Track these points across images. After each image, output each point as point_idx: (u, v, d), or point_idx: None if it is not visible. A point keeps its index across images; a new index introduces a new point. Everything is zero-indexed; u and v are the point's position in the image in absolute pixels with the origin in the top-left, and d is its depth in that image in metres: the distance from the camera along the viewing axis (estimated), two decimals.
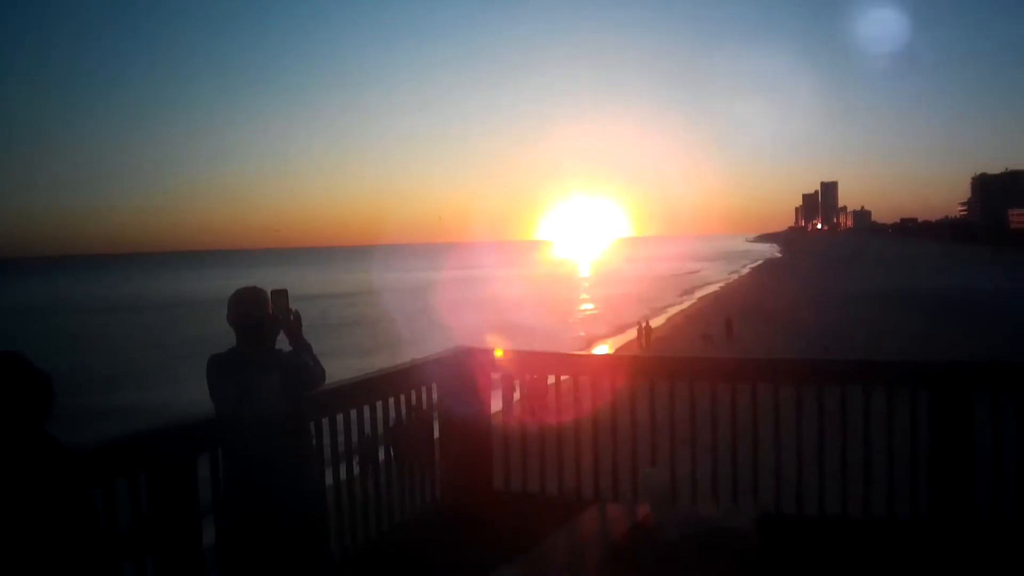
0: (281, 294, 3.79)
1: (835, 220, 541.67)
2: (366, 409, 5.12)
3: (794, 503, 5.30)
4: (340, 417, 4.89)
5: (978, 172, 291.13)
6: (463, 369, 6.01)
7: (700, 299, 71.46)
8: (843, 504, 5.23)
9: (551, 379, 6.10)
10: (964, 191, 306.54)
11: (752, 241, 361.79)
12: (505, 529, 4.91)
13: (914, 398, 5.06)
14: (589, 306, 75.88)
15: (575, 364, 6.65)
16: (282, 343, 3.79)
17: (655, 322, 49.47)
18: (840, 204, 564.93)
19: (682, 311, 62.04)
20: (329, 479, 4.97)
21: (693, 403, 5.56)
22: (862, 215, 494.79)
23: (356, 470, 5.22)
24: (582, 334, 54.27)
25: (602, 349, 44.92)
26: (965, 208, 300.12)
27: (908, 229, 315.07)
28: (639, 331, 43.27)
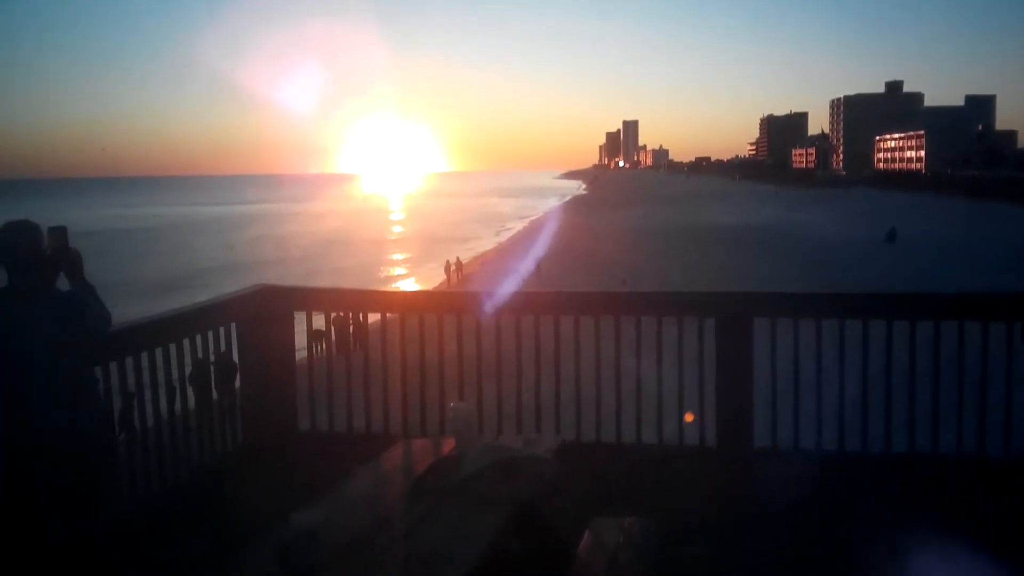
0: (59, 232, 3.52)
1: (636, 158, 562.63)
2: (159, 351, 4.85)
3: (593, 431, 5.53)
4: (130, 360, 4.62)
5: (766, 114, 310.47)
6: (265, 308, 5.82)
7: (510, 236, 72.80)
8: (637, 432, 5.51)
9: (358, 316, 6.03)
10: (753, 132, 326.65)
11: (559, 178, 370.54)
12: (309, 470, 4.84)
13: (701, 326, 5.37)
14: (399, 245, 75.67)
15: (382, 301, 6.59)
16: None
17: (465, 258, 49.98)
18: (640, 143, 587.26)
19: (493, 247, 63.02)
20: (121, 424, 4.72)
21: (499, 336, 5.67)
22: (661, 153, 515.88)
23: (151, 416, 4.98)
24: (392, 271, 54.16)
25: (410, 286, 45.01)
26: (754, 147, 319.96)
27: (702, 167, 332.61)
28: (447, 268, 43.65)
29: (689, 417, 5.02)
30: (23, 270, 3.40)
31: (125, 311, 6.03)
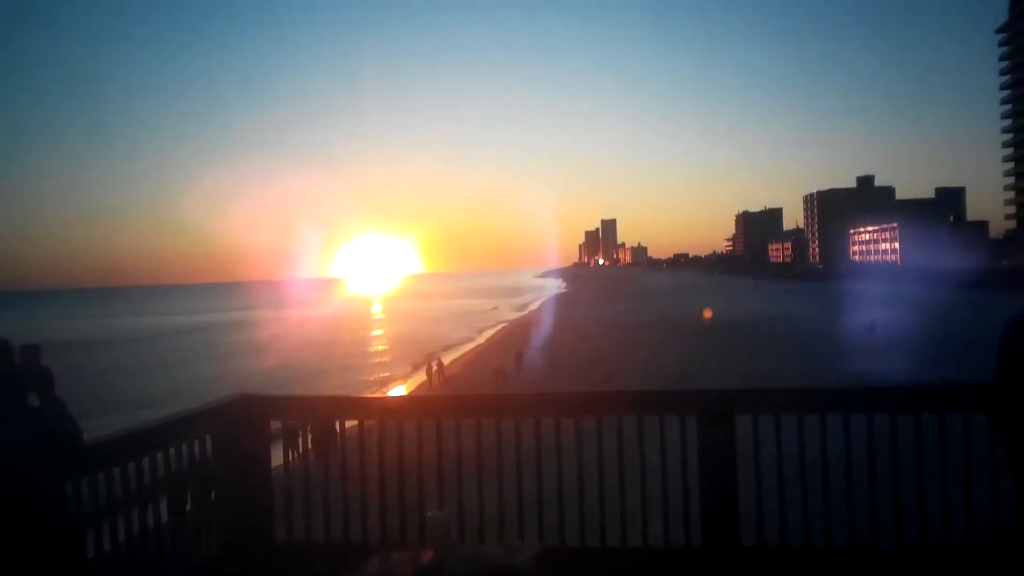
0: (31, 350, 3.51)
1: (615, 256, 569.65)
2: (131, 465, 4.75)
3: (578, 535, 5.42)
4: (102, 475, 4.51)
5: (741, 210, 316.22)
6: (241, 417, 5.74)
7: (491, 335, 72.91)
8: (623, 535, 5.41)
9: (335, 423, 5.95)
10: (730, 228, 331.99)
11: (538, 277, 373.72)
12: None
13: (683, 423, 5.33)
14: (379, 348, 75.52)
15: (360, 407, 6.50)
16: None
17: (447, 359, 49.86)
18: (619, 240, 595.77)
19: (475, 347, 62.98)
20: (92, 540, 4.58)
21: (480, 439, 5.60)
22: (639, 251, 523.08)
23: (122, 529, 4.84)
24: (373, 375, 53.83)
25: (390, 390, 44.71)
26: (731, 243, 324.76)
27: (681, 263, 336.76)
28: (428, 370, 43.43)
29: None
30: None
31: (100, 425, 5.91)
